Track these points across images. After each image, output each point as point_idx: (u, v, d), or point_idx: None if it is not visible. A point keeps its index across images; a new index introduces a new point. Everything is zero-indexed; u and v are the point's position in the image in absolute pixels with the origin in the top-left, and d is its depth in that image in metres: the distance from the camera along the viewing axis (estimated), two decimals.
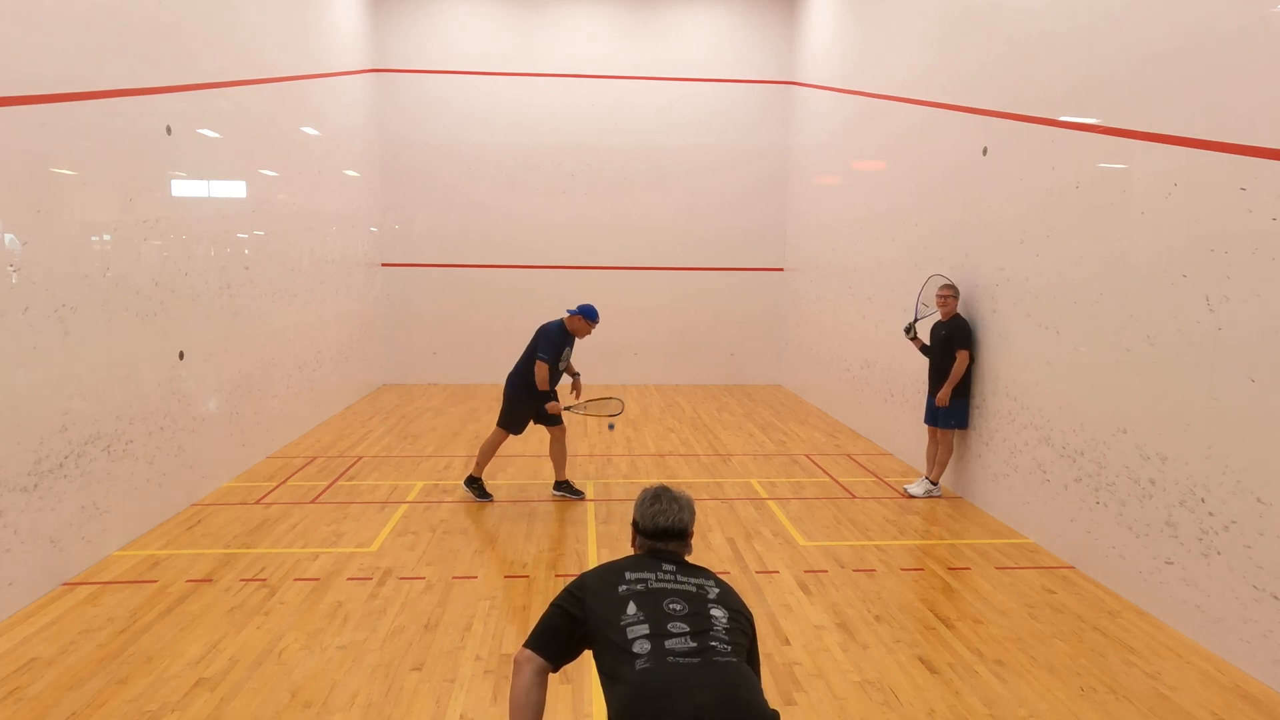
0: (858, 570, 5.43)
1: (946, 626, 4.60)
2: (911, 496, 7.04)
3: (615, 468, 7.98)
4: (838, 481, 7.57)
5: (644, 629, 2.31)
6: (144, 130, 6.02)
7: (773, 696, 3.84)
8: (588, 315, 6.78)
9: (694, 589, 2.47)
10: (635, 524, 2.69)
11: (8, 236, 4.61)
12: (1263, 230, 4.00)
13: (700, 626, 2.33)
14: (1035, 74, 6.02)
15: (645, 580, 2.47)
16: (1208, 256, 4.35)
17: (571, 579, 5.12)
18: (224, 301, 7.26)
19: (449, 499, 6.90)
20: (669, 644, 2.27)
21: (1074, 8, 5.56)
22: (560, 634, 2.44)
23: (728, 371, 13.62)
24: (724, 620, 2.38)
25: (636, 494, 2.72)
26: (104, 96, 5.52)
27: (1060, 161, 5.68)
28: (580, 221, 13.15)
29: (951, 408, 6.85)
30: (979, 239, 6.84)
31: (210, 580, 5.13)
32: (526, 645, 2.45)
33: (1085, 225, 5.40)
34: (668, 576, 2.49)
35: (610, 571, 2.53)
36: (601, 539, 5.98)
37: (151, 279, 6.07)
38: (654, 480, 7.69)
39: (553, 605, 2.50)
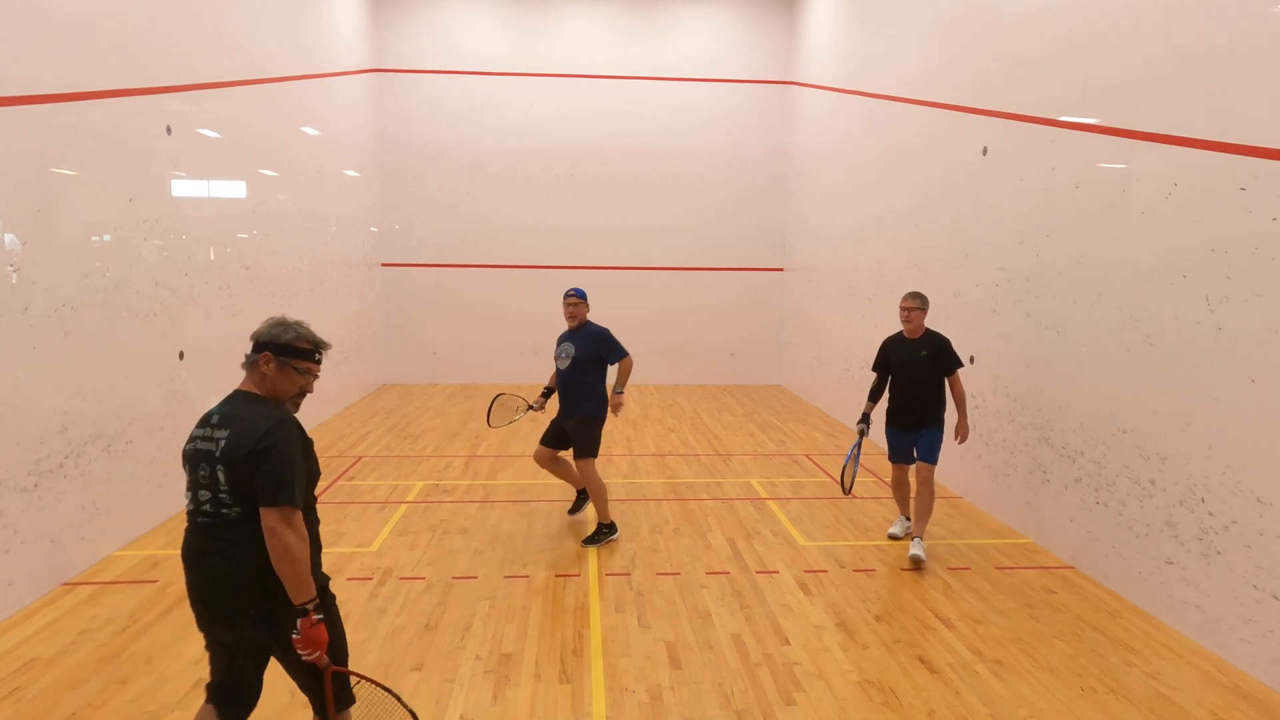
0: (858, 570, 5.43)
1: (946, 626, 4.60)
2: (914, 557, 5.43)
3: (615, 467, 7.97)
4: (838, 482, 7.57)
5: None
6: (144, 130, 6.02)
7: (772, 696, 3.84)
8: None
9: (211, 447, 2.59)
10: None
11: (8, 236, 4.61)
12: (1263, 230, 4.00)
13: (213, 489, 2.56)
14: (1035, 74, 6.02)
15: (194, 440, 2.64)
16: (1208, 256, 4.35)
17: (572, 579, 5.17)
18: (224, 301, 7.25)
19: (449, 499, 6.90)
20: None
21: (1074, 8, 5.56)
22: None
23: (728, 371, 13.62)
24: (224, 480, 2.54)
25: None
26: (104, 96, 5.52)
27: (1060, 162, 5.68)
28: (580, 222, 13.15)
29: (935, 438, 5.58)
30: (979, 239, 6.84)
31: None
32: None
33: (1085, 225, 5.41)
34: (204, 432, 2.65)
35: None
36: None
37: (151, 279, 6.07)
38: (655, 480, 7.76)
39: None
